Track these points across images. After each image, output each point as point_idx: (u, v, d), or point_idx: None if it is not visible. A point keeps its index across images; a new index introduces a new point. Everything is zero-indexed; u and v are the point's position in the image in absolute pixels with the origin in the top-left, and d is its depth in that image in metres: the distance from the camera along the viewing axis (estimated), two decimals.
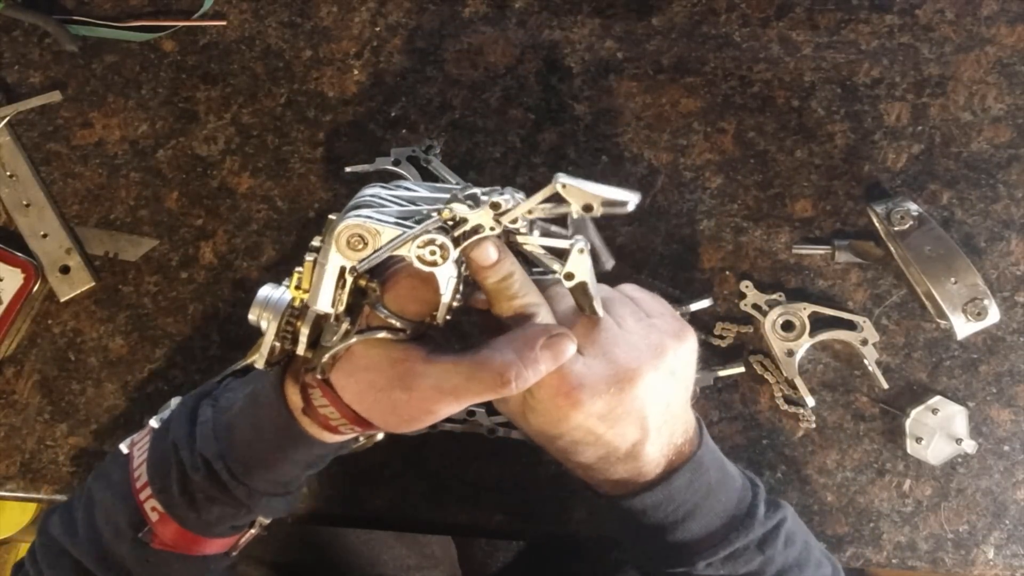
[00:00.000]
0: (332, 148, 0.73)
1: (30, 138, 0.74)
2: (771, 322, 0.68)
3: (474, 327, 0.65)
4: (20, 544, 1.44)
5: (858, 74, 0.73)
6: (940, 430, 0.66)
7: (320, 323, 0.49)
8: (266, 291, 0.50)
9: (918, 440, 0.66)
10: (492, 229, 0.46)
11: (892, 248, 0.68)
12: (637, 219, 0.71)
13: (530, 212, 0.46)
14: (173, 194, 0.73)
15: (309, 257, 0.47)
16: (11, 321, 0.69)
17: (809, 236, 0.71)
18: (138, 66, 0.76)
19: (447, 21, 0.75)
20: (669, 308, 0.53)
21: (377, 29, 0.75)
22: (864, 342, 0.67)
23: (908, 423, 0.66)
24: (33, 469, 0.70)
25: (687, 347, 0.51)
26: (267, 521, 0.56)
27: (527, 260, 0.49)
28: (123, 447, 0.56)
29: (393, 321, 0.47)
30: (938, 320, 0.68)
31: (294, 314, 0.49)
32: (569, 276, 0.47)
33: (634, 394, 0.47)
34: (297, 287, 0.48)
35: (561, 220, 0.48)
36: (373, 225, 0.45)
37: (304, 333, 0.48)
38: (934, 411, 0.66)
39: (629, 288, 0.54)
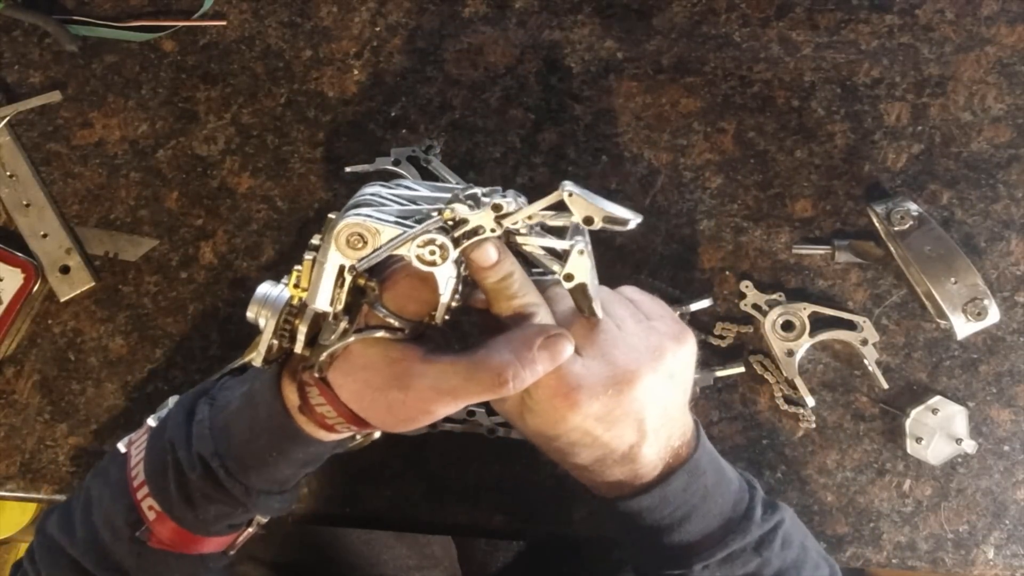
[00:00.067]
0: (332, 148, 0.73)
1: (30, 138, 0.74)
2: (771, 322, 0.68)
3: (473, 327, 0.65)
4: (20, 544, 1.44)
5: (858, 74, 0.73)
6: (940, 430, 0.66)
7: (318, 321, 0.49)
8: (265, 289, 0.50)
9: (918, 440, 0.66)
10: (493, 231, 0.46)
11: (892, 248, 0.68)
12: None
13: (530, 217, 0.46)
14: (173, 194, 0.73)
15: (308, 255, 0.47)
16: (11, 321, 0.70)
17: (809, 236, 0.71)
18: (138, 66, 0.76)
19: (447, 21, 0.75)
20: (668, 310, 0.53)
21: (377, 29, 0.75)
22: (864, 342, 0.67)
23: (908, 423, 0.66)
24: (33, 469, 0.70)
25: (686, 350, 0.51)
26: (265, 520, 0.56)
27: (526, 261, 0.49)
28: (121, 446, 0.56)
29: (392, 320, 0.47)
30: (938, 320, 0.68)
31: (292, 312, 0.49)
32: (569, 277, 0.47)
33: (632, 396, 0.47)
34: (296, 285, 0.48)
35: (559, 231, 0.48)
36: (373, 224, 0.45)
37: (302, 331, 0.48)
38: (934, 411, 0.66)
39: (629, 290, 0.54)
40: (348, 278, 0.46)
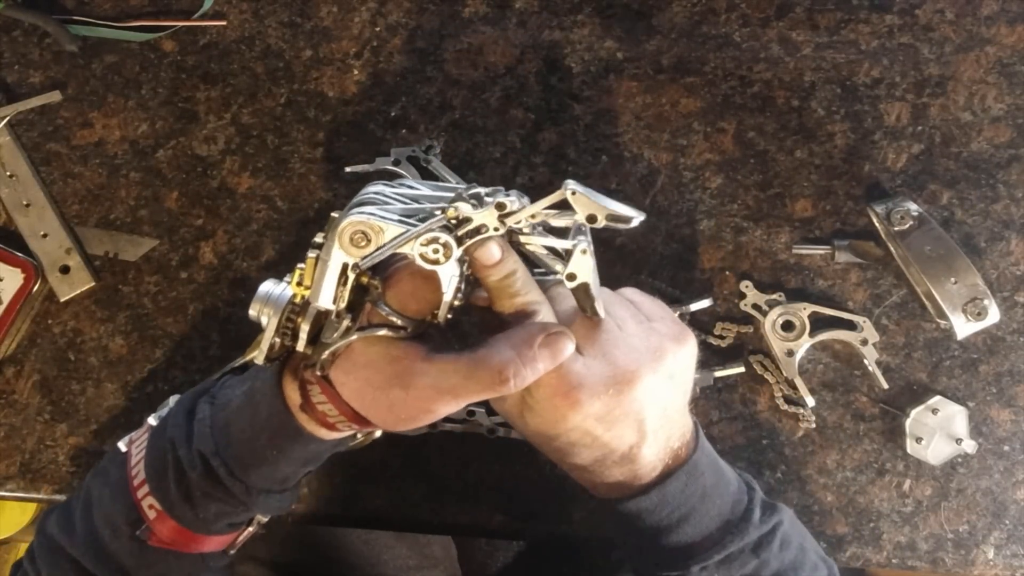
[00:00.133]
0: (332, 148, 0.73)
1: (30, 138, 0.74)
2: (771, 322, 0.68)
3: (474, 327, 0.65)
4: (20, 544, 1.44)
5: (858, 74, 0.73)
6: (940, 430, 0.66)
7: (321, 320, 0.49)
8: (267, 287, 0.50)
9: (918, 440, 0.66)
10: (496, 230, 0.46)
11: (892, 248, 0.68)
12: None
13: (533, 216, 0.46)
14: (173, 194, 0.73)
15: (312, 253, 0.47)
16: (11, 321, 0.69)
17: (809, 236, 0.71)
18: (138, 66, 0.76)
19: (447, 21, 0.75)
20: (669, 312, 0.53)
21: (377, 29, 0.75)
22: (864, 342, 0.67)
23: (908, 423, 0.66)
24: (33, 469, 0.70)
25: (686, 351, 0.51)
26: (265, 519, 0.56)
27: (529, 260, 0.49)
28: (121, 445, 0.56)
29: (394, 319, 0.47)
30: (938, 320, 0.68)
31: (295, 310, 0.49)
32: (571, 276, 0.47)
33: (632, 396, 0.47)
34: (299, 283, 0.48)
35: (561, 232, 0.48)
36: (377, 222, 0.45)
37: (304, 329, 0.48)
38: (934, 411, 0.66)
39: (629, 292, 0.54)
40: (351, 276, 0.46)
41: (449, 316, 0.48)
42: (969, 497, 0.67)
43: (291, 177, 0.73)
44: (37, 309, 0.72)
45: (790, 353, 0.67)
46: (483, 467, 0.68)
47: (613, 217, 0.45)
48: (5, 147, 0.74)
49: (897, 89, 0.72)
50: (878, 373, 0.67)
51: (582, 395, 0.47)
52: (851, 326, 0.68)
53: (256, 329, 0.50)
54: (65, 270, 0.71)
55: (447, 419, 0.67)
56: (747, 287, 0.69)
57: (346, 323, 0.48)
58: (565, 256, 0.47)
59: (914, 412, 0.66)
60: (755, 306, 0.69)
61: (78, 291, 0.71)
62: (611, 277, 0.70)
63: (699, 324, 0.69)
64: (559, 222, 0.47)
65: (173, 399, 0.57)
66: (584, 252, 0.46)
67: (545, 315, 0.48)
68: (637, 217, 0.46)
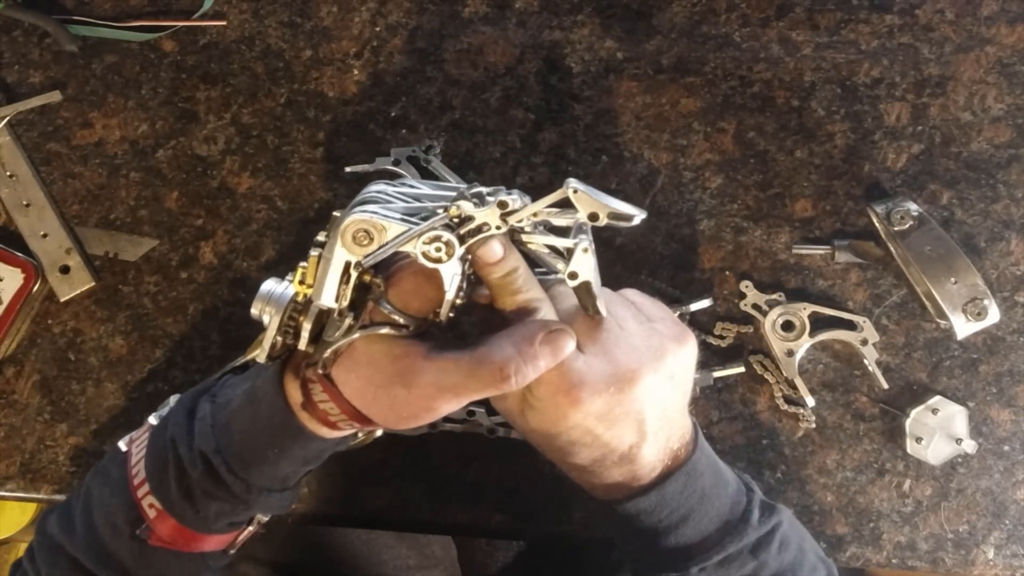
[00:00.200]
0: (332, 148, 0.73)
1: (30, 138, 0.74)
2: (771, 322, 0.68)
3: (474, 327, 0.65)
4: (20, 544, 1.44)
5: (858, 74, 0.73)
6: (940, 430, 0.66)
7: (323, 318, 0.49)
8: (269, 285, 0.50)
9: (918, 440, 0.66)
10: (498, 228, 0.46)
11: (892, 248, 0.68)
12: None
13: (535, 215, 0.46)
14: (173, 194, 0.73)
15: (314, 251, 0.47)
16: (11, 321, 0.69)
17: (809, 236, 0.71)
18: (138, 66, 0.76)
19: (447, 21, 0.75)
20: (670, 313, 0.54)
21: (377, 29, 0.75)
22: (864, 342, 0.67)
23: (908, 423, 0.66)
24: (33, 469, 0.70)
25: (687, 351, 0.51)
26: (265, 519, 0.56)
27: (530, 260, 0.49)
28: (122, 444, 0.56)
29: (396, 317, 0.48)
30: (938, 320, 0.68)
31: (297, 309, 0.49)
32: (573, 275, 0.47)
33: (633, 395, 0.47)
34: (301, 282, 0.48)
35: (562, 231, 0.48)
36: (379, 221, 0.45)
37: (306, 328, 0.48)
38: (934, 411, 0.66)
39: (630, 293, 0.54)
40: (354, 274, 0.47)
41: (451, 314, 0.48)
42: (969, 497, 0.67)
43: (291, 177, 0.73)
44: (37, 309, 0.72)
45: (790, 353, 0.67)
46: (483, 467, 0.68)
47: (615, 215, 0.45)
48: (5, 147, 0.74)
49: (897, 89, 0.72)
50: (878, 373, 0.67)
51: (583, 393, 0.47)
52: (851, 326, 0.68)
53: (257, 328, 0.50)
54: (65, 270, 0.71)
55: (447, 419, 0.67)
56: (747, 287, 0.69)
57: (348, 321, 0.48)
58: (566, 255, 0.47)
59: (914, 412, 0.66)
60: (755, 306, 0.69)
61: (78, 291, 0.71)
62: (611, 277, 0.70)
63: (699, 324, 0.69)
64: (560, 221, 0.47)
65: (174, 398, 0.57)
66: (585, 251, 0.46)
67: (546, 313, 0.49)
68: (638, 215, 0.46)
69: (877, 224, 0.68)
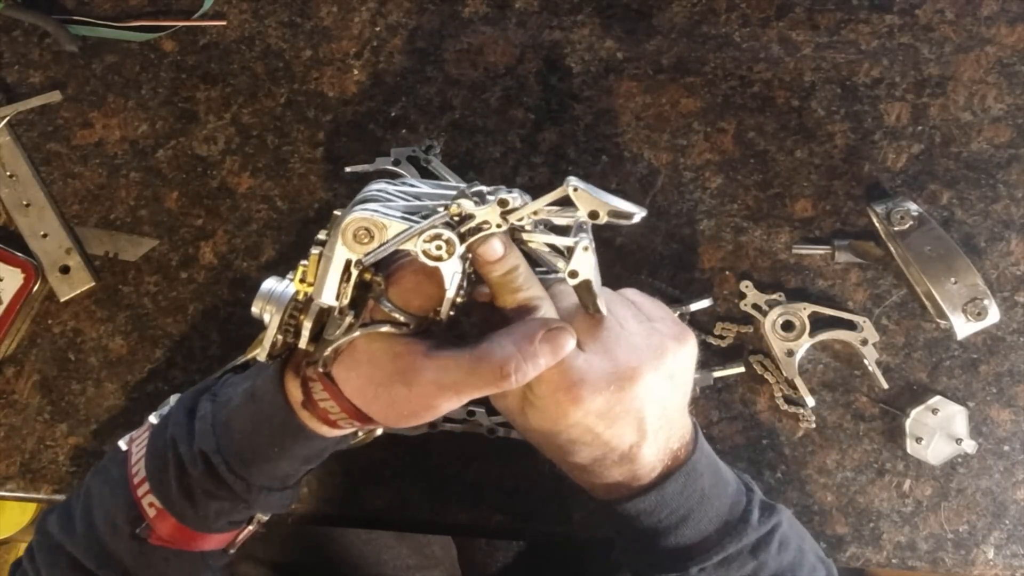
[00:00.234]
0: (332, 148, 0.73)
1: (30, 138, 0.74)
2: (771, 322, 0.68)
3: (473, 327, 0.65)
4: (20, 544, 1.44)
5: (858, 74, 0.73)
6: (940, 430, 0.66)
7: (323, 316, 0.49)
8: (270, 284, 0.50)
9: (918, 440, 0.66)
10: (499, 226, 0.46)
11: (892, 248, 0.68)
12: None
13: (536, 213, 0.46)
14: (173, 194, 0.73)
15: (315, 250, 0.48)
16: (11, 321, 0.69)
17: (809, 236, 0.71)
18: (138, 66, 0.76)
19: (447, 21, 0.75)
20: (670, 313, 0.54)
21: (377, 29, 0.75)
22: (864, 342, 0.67)
23: (908, 423, 0.66)
24: (33, 469, 0.70)
25: (687, 350, 0.51)
26: (265, 518, 0.56)
27: (531, 259, 0.49)
28: (122, 443, 0.56)
29: (397, 315, 0.48)
30: (938, 320, 0.68)
31: (297, 307, 0.49)
32: (574, 274, 0.47)
33: (634, 393, 0.47)
34: (301, 280, 0.48)
35: (562, 231, 0.48)
36: (380, 219, 0.46)
37: (307, 326, 0.48)
38: (934, 411, 0.66)
39: (630, 292, 0.54)
40: (354, 272, 0.47)
41: (451, 313, 0.48)
42: (969, 497, 0.67)
43: (291, 177, 0.73)
44: (37, 309, 0.72)
45: (790, 353, 0.67)
46: (483, 467, 0.68)
47: (615, 213, 0.45)
48: (5, 147, 0.74)
49: (897, 89, 0.72)
50: (878, 373, 0.67)
51: (584, 390, 0.47)
52: (851, 326, 0.68)
53: (257, 328, 0.50)
54: (65, 270, 0.71)
55: (447, 419, 0.67)
56: (747, 287, 0.69)
57: (349, 320, 0.48)
58: (567, 253, 0.47)
59: (914, 412, 0.66)
60: (755, 306, 0.69)
61: (78, 291, 0.71)
62: (611, 277, 0.70)
63: (699, 324, 0.69)
64: (561, 220, 0.47)
65: (174, 398, 0.57)
66: (586, 249, 0.46)
67: (547, 311, 0.49)
68: (639, 213, 0.46)
69: (877, 224, 0.68)
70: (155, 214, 0.73)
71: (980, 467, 0.67)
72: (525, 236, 0.48)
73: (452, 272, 0.46)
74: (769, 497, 0.55)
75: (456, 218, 0.46)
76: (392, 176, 0.70)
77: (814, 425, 0.68)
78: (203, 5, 0.76)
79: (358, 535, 0.84)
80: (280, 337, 0.49)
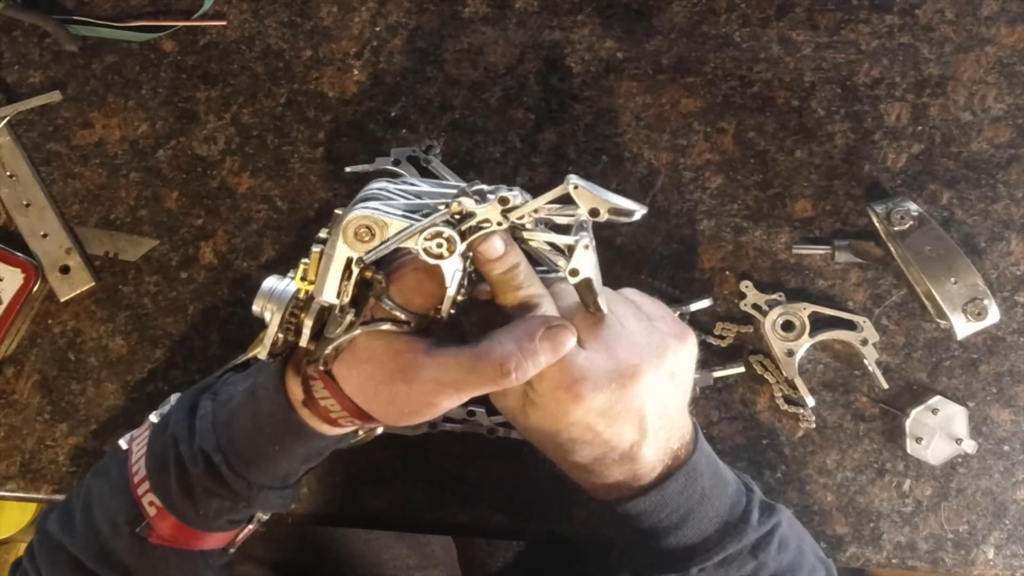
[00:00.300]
0: (332, 148, 0.73)
1: (30, 138, 0.74)
2: (771, 322, 0.68)
3: (473, 327, 0.65)
4: (20, 544, 1.44)
5: (858, 74, 0.73)
6: (940, 430, 0.66)
7: (324, 315, 0.49)
8: (271, 282, 0.50)
9: (918, 440, 0.66)
10: (499, 224, 0.46)
11: (892, 248, 0.68)
12: None
13: (536, 211, 0.46)
14: (173, 194, 0.73)
15: (316, 248, 0.48)
16: (11, 321, 0.69)
17: (809, 236, 0.71)
18: (138, 66, 0.76)
19: (447, 21, 0.75)
20: (669, 312, 0.54)
21: (377, 29, 0.75)
22: (864, 342, 0.67)
23: (908, 423, 0.66)
24: (33, 469, 0.70)
25: (687, 349, 0.51)
26: (265, 517, 0.56)
27: (531, 258, 0.49)
28: (122, 442, 0.56)
29: (398, 313, 0.48)
30: (938, 320, 0.68)
31: (298, 306, 0.49)
32: (574, 272, 0.47)
33: (635, 391, 0.48)
34: (302, 278, 0.48)
35: (563, 230, 0.48)
36: (381, 217, 0.46)
37: (308, 325, 0.48)
38: (934, 411, 0.66)
39: (630, 292, 0.54)
40: (355, 270, 0.47)
41: (452, 311, 0.48)
42: (969, 497, 0.67)
43: (291, 177, 0.73)
44: (37, 309, 0.72)
45: (790, 353, 0.67)
46: (483, 467, 0.68)
47: (615, 210, 0.45)
48: (5, 147, 0.74)
49: (897, 89, 0.72)
50: (878, 373, 0.67)
51: (584, 388, 0.47)
52: (851, 326, 0.68)
53: (258, 327, 0.50)
54: (65, 270, 0.71)
55: (447, 419, 0.67)
56: (747, 287, 0.69)
57: (349, 318, 0.48)
58: (567, 251, 0.47)
59: (914, 412, 0.66)
60: (755, 306, 0.69)
61: (78, 291, 0.71)
62: (611, 277, 0.70)
63: (699, 324, 0.69)
64: (561, 219, 0.47)
65: (174, 397, 0.57)
66: (587, 247, 0.46)
67: (547, 309, 0.49)
68: (639, 210, 0.46)
69: (877, 224, 0.68)
70: (155, 214, 0.73)
71: (980, 467, 0.67)
72: (526, 234, 0.48)
73: (453, 270, 0.46)
74: (769, 497, 0.55)
75: (457, 216, 0.46)
76: (392, 176, 0.70)
77: (814, 425, 0.68)
78: (203, 5, 0.76)
79: (358, 535, 0.84)
80: (281, 335, 0.49)
